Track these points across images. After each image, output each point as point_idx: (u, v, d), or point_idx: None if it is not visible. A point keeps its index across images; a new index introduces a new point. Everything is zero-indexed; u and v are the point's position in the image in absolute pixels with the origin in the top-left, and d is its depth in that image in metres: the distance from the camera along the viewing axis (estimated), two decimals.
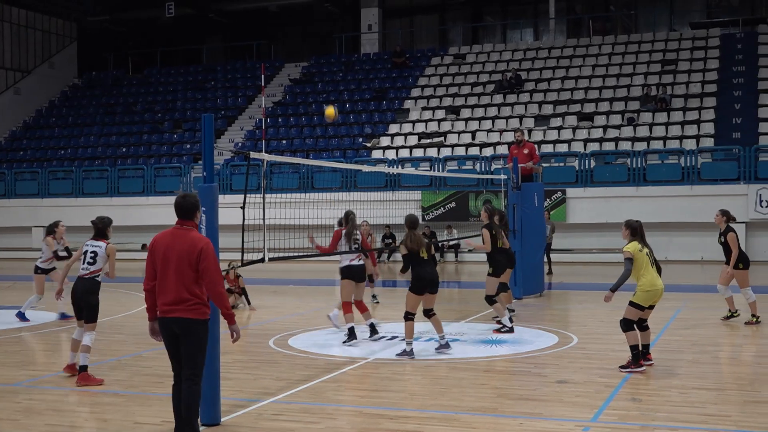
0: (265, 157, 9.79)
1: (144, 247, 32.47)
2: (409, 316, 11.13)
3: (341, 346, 12.10)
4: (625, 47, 36.01)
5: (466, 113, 33.87)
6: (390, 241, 28.80)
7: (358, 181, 30.10)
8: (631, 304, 10.09)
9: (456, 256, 29.02)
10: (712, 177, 26.91)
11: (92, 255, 10.11)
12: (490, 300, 13.14)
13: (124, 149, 37.22)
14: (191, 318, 7.02)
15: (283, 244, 11.73)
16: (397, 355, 11.16)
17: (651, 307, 10.22)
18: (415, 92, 36.35)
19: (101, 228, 10.20)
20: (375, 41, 42.56)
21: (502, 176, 19.43)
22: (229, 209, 10.91)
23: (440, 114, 34.18)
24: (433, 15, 45.06)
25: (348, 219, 12.99)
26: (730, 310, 14.06)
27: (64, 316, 14.72)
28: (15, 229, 33.80)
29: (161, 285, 7.08)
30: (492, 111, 33.54)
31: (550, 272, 23.26)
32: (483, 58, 37.89)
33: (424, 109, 34.80)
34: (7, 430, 7.95)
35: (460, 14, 44.77)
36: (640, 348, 10.08)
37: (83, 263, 10.13)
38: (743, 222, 25.78)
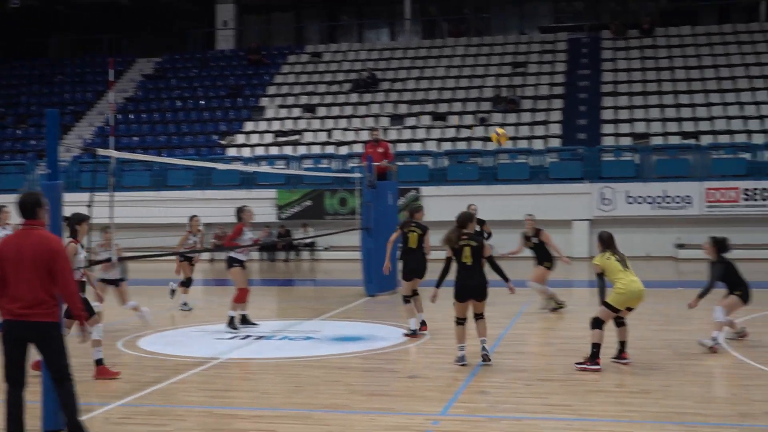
0: (114, 154, 9.53)
1: None
2: (406, 299, 12.09)
3: (193, 346, 11.90)
4: (478, 49, 36.88)
5: (322, 112, 33.91)
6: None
7: (213, 179, 29.68)
8: (605, 304, 10.01)
9: (311, 255, 29.03)
10: (558, 176, 27.90)
11: None
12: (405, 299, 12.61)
13: None
14: (49, 322, 6.76)
15: (133, 243, 11.47)
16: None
17: (629, 309, 10.17)
18: (271, 90, 36.13)
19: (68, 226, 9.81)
20: (230, 38, 42.03)
21: (357, 174, 19.59)
22: (77, 208, 10.54)
23: (296, 112, 34.09)
24: (290, 12, 44.89)
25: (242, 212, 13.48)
26: (557, 302, 14.87)
27: None
28: None
29: (14, 288, 6.73)
30: (348, 110, 33.71)
31: None
32: (339, 57, 38.03)
33: (280, 107, 34.63)
34: None
35: (317, 12, 44.79)
36: (599, 346, 9.93)
37: None
38: (587, 219, 26.91)
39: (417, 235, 12.65)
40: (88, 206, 8.66)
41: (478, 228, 15.25)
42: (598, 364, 9.90)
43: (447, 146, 30.50)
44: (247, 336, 12.78)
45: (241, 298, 13.29)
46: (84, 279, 10.06)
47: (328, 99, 34.68)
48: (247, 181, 29.69)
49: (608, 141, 29.69)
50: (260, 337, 12.65)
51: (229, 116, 34.76)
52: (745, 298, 11.27)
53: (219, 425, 7.88)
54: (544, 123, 31.05)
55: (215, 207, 23.38)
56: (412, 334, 12.32)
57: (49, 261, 6.73)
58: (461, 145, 30.56)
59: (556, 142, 30.01)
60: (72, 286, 6.86)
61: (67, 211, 8.08)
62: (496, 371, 9.99)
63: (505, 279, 10.36)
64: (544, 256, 14.87)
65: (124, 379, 9.86)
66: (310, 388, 9.32)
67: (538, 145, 29.77)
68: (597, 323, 10.00)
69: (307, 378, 9.83)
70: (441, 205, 27.80)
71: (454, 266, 10.28)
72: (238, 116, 34.62)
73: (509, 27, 40.69)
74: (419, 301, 12.57)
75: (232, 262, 13.47)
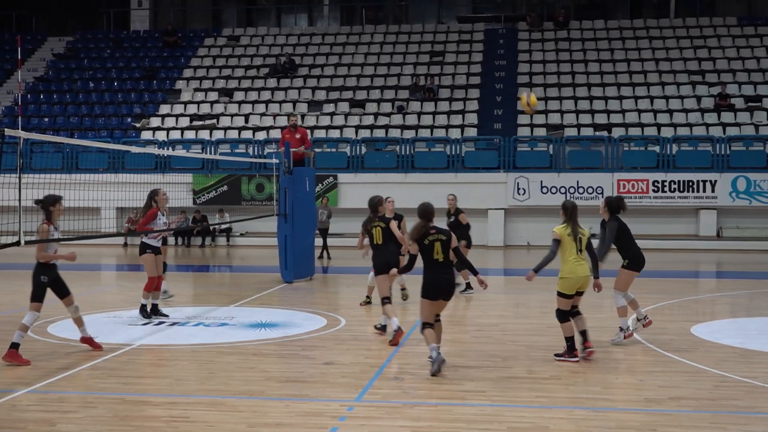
0: (22, 134, 9.29)
1: None
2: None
3: (104, 333, 11.68)
4: (396, 37, 36.99)
5: (239, 96, 33.58)
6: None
7: (127, 162, 29.11)
8: (559, 294, 9.97)
9: (228, 241, 28.76)
10: (475, 165, 28.21)
11: None
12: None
13: None
14: None
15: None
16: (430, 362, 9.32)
17: (579, 293, 10.02)
18: (188, 73, 35.60)
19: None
20: (146, 18, 41.22)
21: (275, 160, 19.46)
22: None
23: (213, 96, 33.67)
24: None
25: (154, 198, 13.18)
26: (468, 284, 15.55)
27: None
28: None
29: None
30: (265, 95, 33.46)
31: (329, 257, 23.62)
32: (257, 41, 37.68)
33: (196, 90, 34.16)
34: None
35: None
36: (572, 338, 9.92)
37: None
38: (502, 208, 27.29)
39: (381, 229, 11.65)
40: None
41: (452, 219, 15.69)
42: (575, 356, 9.89)
43: (365, 134, 30.53)
44: (161, 322, 12.60)
45: (150, 286, 12.99)
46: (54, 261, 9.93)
47: (246, 83, 34.37)
48: (162, 165, 29.22)
49: (523, 132, 30.12)
50: (174, 324, 12.50)
51: (144, 99, 34.14)
52: (635, 266, 10.90)
53: (130, 412, 7.76)
54: (461, 112, 31.33)
55: (129, 191, 22.97)
56: (380, 328, 11.72)
57: None
58: (379, 133, 30.62)
59: (472, 132, 30.32)
60: None
61: None
62: (411, 357, 10.07)
63: (474, 272, 9.60)
64: (461, 235, 15.07)
65: (33, 365, 9.62)
66: (224, 374, 9.25)
67: (454, 134, 30.03)
68: (563, 315, 9.97)
69: (221, 364, 9.75)
70: (358, 192, 27.90)
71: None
72: (153, 99, 34.03)
73: (427, 15, 40.89)
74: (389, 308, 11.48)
75: (144, 248, 13.20)
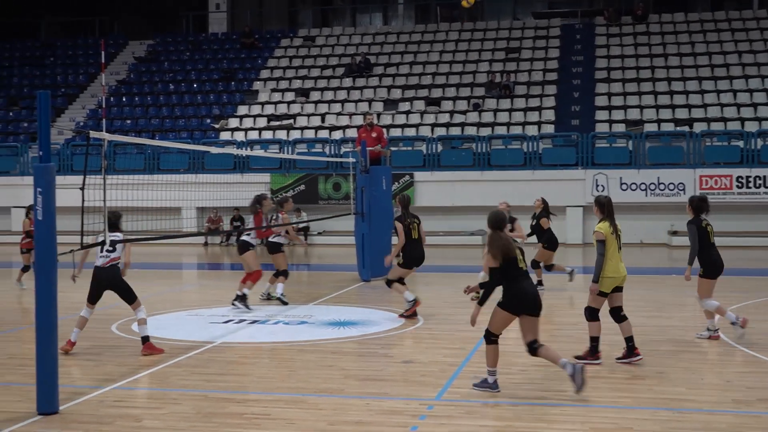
0: (106, 136, 9.49)
1: None
2: (390, 283, 11.62)
3: (186, 331, 11.88)
4: (471, 34, 36.79)
5: (315, 96, 33.82)
6: (239, 224, 28.48)
7: (206, 162, 29.55)
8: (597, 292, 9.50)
9: (305, 239, 28.99)
10: (552, 162, 27.89)
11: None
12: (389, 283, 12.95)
13: None
14: None
15: (127, 227, 11.42)
16: (475, 386, 8.50)
17: (616, 290, 9.56)
18: (265, 74, 36.00)
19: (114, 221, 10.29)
20: (223, 21, 41.82)
21: (351, 159, 19.55)
22: (70, 191, 10.49)
23: (290, 96, 33.98)
24: None
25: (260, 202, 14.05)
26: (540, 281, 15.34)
27: None
28: None
29: None
30: (341, 94, 33.63)
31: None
32: (333, 41, 37.89)
33: (273, 90, 34.52)
34: None
35: None
36: (598, 339, 9.61)
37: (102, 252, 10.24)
38: (581, 206, 26.91)
39: (417, 225, 12.96)
40: (81, 189, 8.60)
41: (534, 222, 15.79)
42: (598, 358, 9.58)
43: (440, 131, 30.45)
44: (242, 320, 12.77)
45: (249, 278, 13.77)
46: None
47: (322, 83, 34.59)
48: (241, 165, 29.61)
49: (602, 127, 29.67)
50: (254, 322, 12.65)
51: (223, 100, 34.64)
52: (710, 274, 10.65)
53: (213, 409, 7.87)
54: (538, 109, 31.02)
55: (208, 191, 23.35)
56: (411, 307, 12.68)
57: None
58: (455, 131, 30.50)
59: (549, 128, 29.99)
60: None
61: (61, 195, 8.01)
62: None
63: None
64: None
65: (119, 362, 9.84)
66: (304, 372, 9.32)
67: (531, 131, 29.74)
68: (592, 314, 9.55)
69: (301, 362, 9.83)
70: (434, 190, 27.87)
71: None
72: (231, 100, 34.50)
73: (503, 12, 40.59)
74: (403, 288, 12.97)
75: (247, 247, 13.92)
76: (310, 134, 31.29)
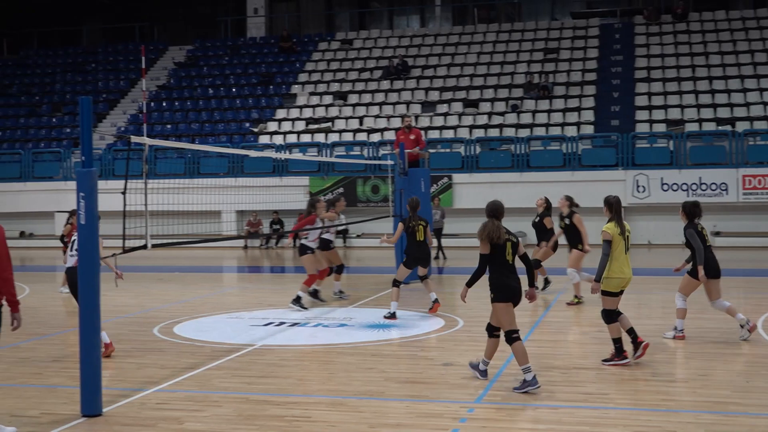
0: (147, 141, 9.57)
1: (22, 234, 31.37)
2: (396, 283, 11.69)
3: (227, 334, 11.97)
4: (509, 35, 36.65)
5: (353, 99, 33.89)
6: (278, 227, 28.65)
7: (246, 166, 29.77)
8: (605, 293, 9.58)
9: (344, 242, 29.06)
10: (592, 163, 27.68)
11: None
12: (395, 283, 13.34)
13: None
14: None
15: (167, 231, 11.54)
16: (471, 367, 9.18)
17: (620, 293, 9.72)
18: (303, 77, 36.16)
19: None
20: (261, 25, 42.08)
21: (390, 162, 19.55)
22: (112, 195, 10.63)
23: (328, 99, 34.09)
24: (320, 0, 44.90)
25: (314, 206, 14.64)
26: (576, 296, 14.47)
27: None
28: None
29: None
30: (379, 97, 33.67)
31: (444, 257, 23.58)
32: (370, 44, 37.96)
33: (311, 94, 34.65)
34: None
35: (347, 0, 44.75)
36: (620, 339, 9.62)
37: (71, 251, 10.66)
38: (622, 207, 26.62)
39: (423, 227, 13.43)
40: (123, 194, 8.69)
41: (567, 221, 14.95)
42: (625, 357, 9.53)
43: (479, 133, 30.37)
44: (282, 323, 12.83)
45: (311, 282, 14.34)
46: None
47: (360, 86, 34.66)
48: (280, 168, 29.76)
49: (642, 128, 29.40)
50: (294, 324, 12.69)
51: (261, 104, 34.85)
52: (698, 275, 10.84)
53: (254, 411, 7.91)
54: (577, 109, 30.81)
55: (248, 194, 23.50)
56: (391, 316, 12.93)
57: None
58: (493, 132, 30.41)
59: (589, 129, 29.77)
60: (6, 272, 7.02)
61: (103, 199, 8.11)
62: (531, 359, 9.92)
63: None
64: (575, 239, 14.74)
65: (161, 364, 9.93)
66: (344, 374, 9.33)
67: (570, 131, 29.55)
68: (609, 316, 9.57)
69: (341, 365, 9.84)
70: (473, 192, 27.78)
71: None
72: (270, 104, 34.70)
73: (541, 12, 40.36)
74: (430, 284, 13.78)
75: (305, 250, 14.37)
76: (348, 137, 31.37)
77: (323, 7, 44.48)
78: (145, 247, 9.38)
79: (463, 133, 30.46)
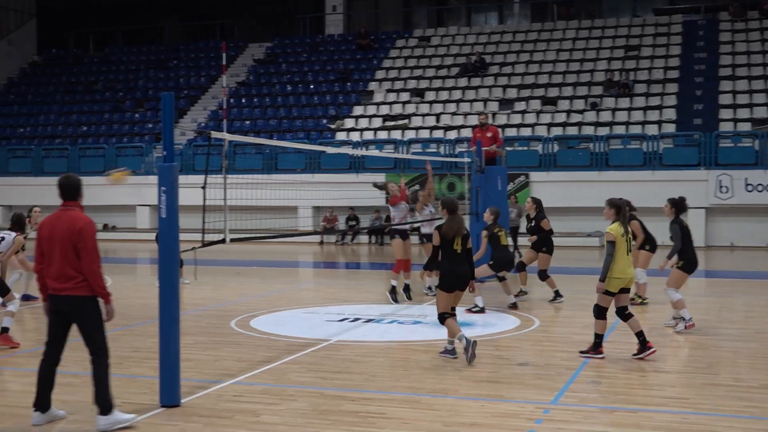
0: (227, 137, 9.68)
1: (105, 227, 32.15)
2: (444, 316, 10.07)
3: (302, 328, 12.06)
4: (589, 32, 36.15)
5: (430, 96, 33.85)
6: (354, 223, 28.78)
7: (322, 162, 29.98)
8: (605, 292, 9.80)
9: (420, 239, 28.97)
10: (673, 162, 27.14)
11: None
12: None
13: (84, 128, 36.73)
14: (79, 295, 7.13)
15: (245, 225, 11.66)
16: (441, 353, 10.00)
17: (623, 291, 9.87)
18: (380, 74, 36.24)
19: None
20: (339, 22, 42.33)
21: (466, 159, 19.46)
22: (192, 190, 10.77)
23: (405, 96, 34.11)
24: None
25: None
26: (639, 296, 14.13)
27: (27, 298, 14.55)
28: None
29: (48, 265, 7.20)
30: (456, 94, 33.55)
31: (519, 255, 23.32)
32: (448, 41, 37.85)
33: (388, 91, 34.72)
34: None
35: None
36: (602, 336, 9.93)
37: None
38: (703, 207, 26.08)
39: (505, 233, 13.93)
40: (203, 188, 8.80)
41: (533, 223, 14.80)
42: (601, 353, 9.82)
43: (557, 131, 30.02)
44: (357, 319, 12.87)
45: (399, 267, 14.58)
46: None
47: (437, 83, 34.59)
48: (356, 165, 29.88)
49: (726, 126, 28.70)
50: (369, 321, 12.73)
51: (339, 100, 35.04)
52: (688, 268, 11.58)
53: (329, 406, 7.94)
54: (658, 108, 30.23)
55: (324, 190, 23.67)
56: (480, 311, 13.13)
57: (76, 240, 7.09)
58: (572, 131, 30.03)
59: (670, 128, 29.19)
60: (95, 265, 7.14)
61: (183, 194, 8.23)
62: (610, 361, 9.77)
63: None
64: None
65: (237, 357, 10.06)
66: (418, 372, 9.31)
67: (651, 130, 29.00)
68: (600, 312, 9.84)
69: (415, 362, 9.83)
70: (550, 191, 27.45)
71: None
72: (347, 100, 34.86)
73: (622, 9, 39.68)
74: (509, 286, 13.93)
75: (394, 234, 14.88)
76: (424, 134, 31.33)
77: (401, 4, 44.51)
78: (223, 241, 9.51)
79: (541, 131, 30.16)
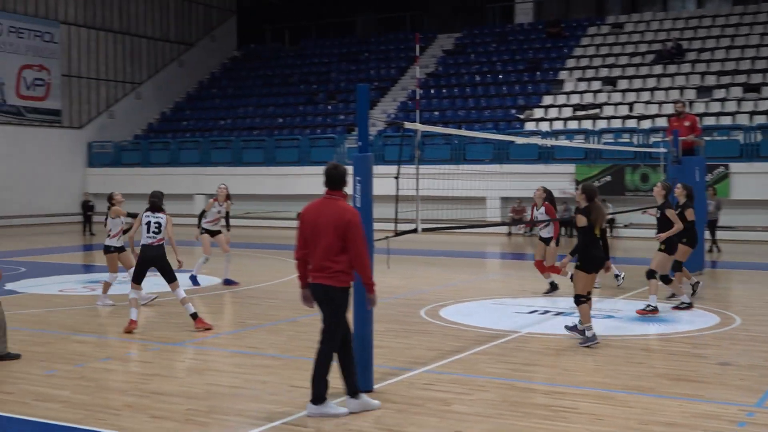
0: (419, 127, 9.75)
1: (298, 215, 33.27)
2: (581, 299, 10.19)
3: (491, 319, 12.02)
4: None
5: (623, 84, 32.86)
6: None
7: (511, 153, 29.72)
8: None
9: (611, 232, 28.27)
10: None
11: (156, 225, 11.44)
12: (651, 274, 12.55)
13: (280, 120, 38.10)
14: (330, 285, 7.22)
15: (435, 215, 11.73)
16: (581, 344, 10.13)
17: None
18: (570, 63, 35.53)
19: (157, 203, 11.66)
20: (529, 11, 41.81)
21: (662, 149, 18.79)
22: (381, 180, 10.94)
23: (596, 85, 33.28)
24: None
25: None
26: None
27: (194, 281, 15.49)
28: (178, 197, 34.85)
29: (311, 253, 7.29)
30: (651, 82, 32.41)
31: (718, 250, 22.31)
32: (642, 27, 36.61)
33: (579, 80, 33.98)
34: (168, 388, 8.28)
35: None
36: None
37: (149, 233, 11.40)
38: None
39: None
40: (396, 178, 8.90)
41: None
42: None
43: (760, 120, 28.42)
44: (547, 311, 12.71)
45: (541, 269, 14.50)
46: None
47: (630, 71, 33.54)
48: (545, 155, 29.45)
49: None
50: (559, 314, 12.53)
51: (528, 90, 34.63)
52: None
53: (519, 398, 7.88)
54: None
55: (513, 181, 23.46)
56: (653, 310, 12.25)
57: (344, 231, 7.16)
58: None
59: None
60: (364, 258, 7.21)
61: (377, 183, 8.35)
62: None
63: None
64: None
65: (427, 346, 10.15)
66: (611, 367, 9.08)
67: None
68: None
69: (607, 357, 9.58)
70: (752, 183, 26.08)
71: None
72: (537, 90, 34.40)
73: None
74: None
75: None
76: (616, 124, 30.47)
77: None
78: (415, 230, 9.60)
79: (743, 119, 28.64)
